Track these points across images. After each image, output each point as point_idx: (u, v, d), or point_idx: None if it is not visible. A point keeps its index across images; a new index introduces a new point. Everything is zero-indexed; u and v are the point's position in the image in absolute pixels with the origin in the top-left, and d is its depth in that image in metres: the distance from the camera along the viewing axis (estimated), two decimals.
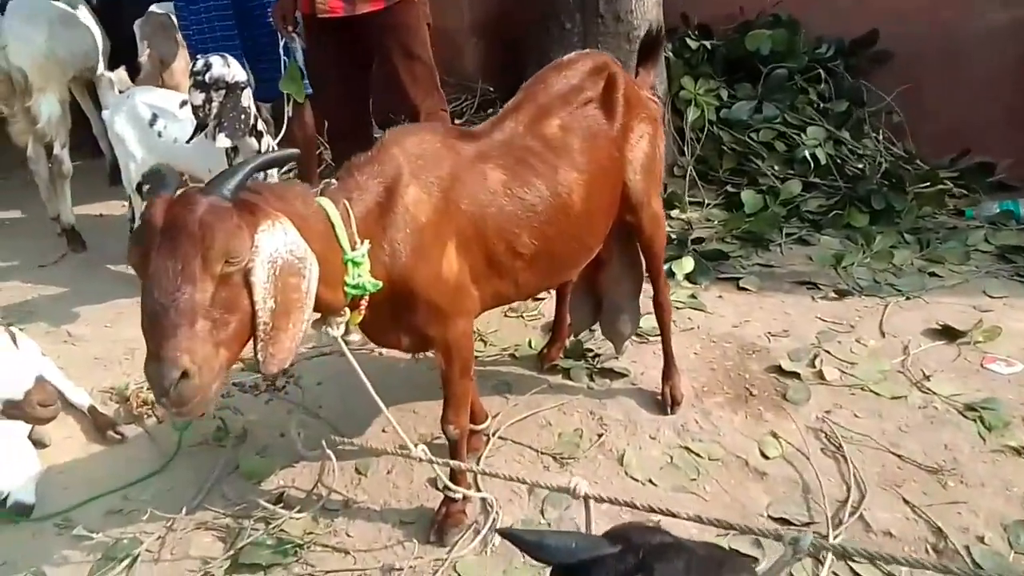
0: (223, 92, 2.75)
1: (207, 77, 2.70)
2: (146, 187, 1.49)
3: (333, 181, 1.77)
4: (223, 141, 2.77)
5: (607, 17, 4.01)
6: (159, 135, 3.25)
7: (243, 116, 2.80)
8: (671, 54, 4.36)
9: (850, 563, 1.90)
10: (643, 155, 2.25)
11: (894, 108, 4.19)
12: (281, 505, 2.22)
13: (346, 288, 1.68)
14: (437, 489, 2.20)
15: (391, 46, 3.09)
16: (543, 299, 3.28)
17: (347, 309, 1.75)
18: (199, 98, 2.73)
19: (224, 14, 3.49)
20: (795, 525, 2.05)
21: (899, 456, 2.28)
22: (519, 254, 1.98)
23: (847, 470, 2.23)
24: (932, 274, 3.31)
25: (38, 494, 2.29)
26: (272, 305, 1.46)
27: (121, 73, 3.25)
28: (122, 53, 4.39)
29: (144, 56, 4.20)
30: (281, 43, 3.17)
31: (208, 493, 2.29)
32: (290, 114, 3.29)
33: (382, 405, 1.87)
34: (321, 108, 3.53)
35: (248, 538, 2.10)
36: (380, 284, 1.71)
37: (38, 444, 2.48)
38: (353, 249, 1.67)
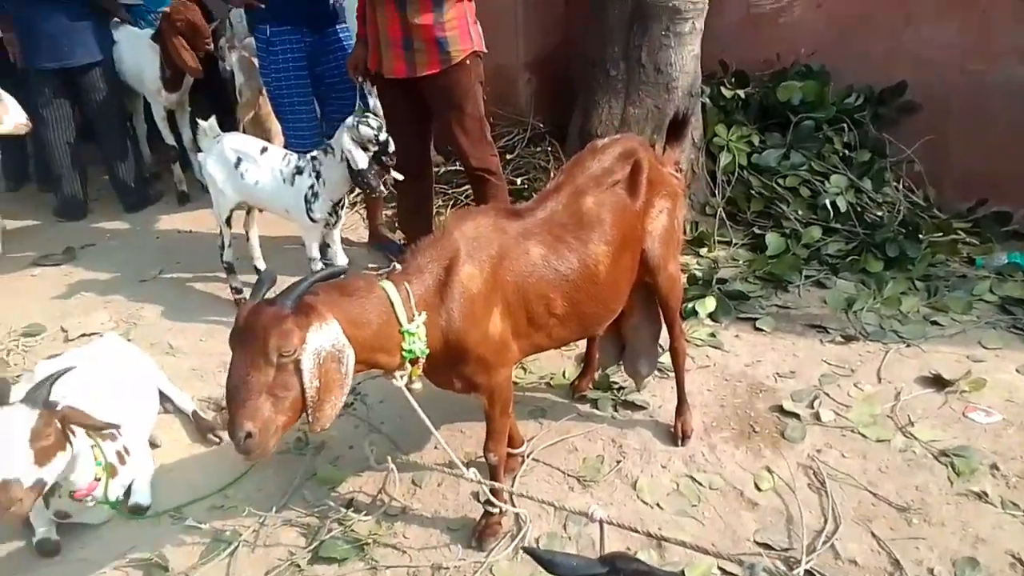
0: (376, 148, 3.38)
1: (379, 139, 3.34)
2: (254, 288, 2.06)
3: (397, 266, 2.22)
4: (381, 190, 3.45)
5: (648, 68, 4.37)
6: (242, 176, 3.68)
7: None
8: (707, 100, 4.72)
9: None
10: (661, 227, 2.66)
11: (914, 158, 4.48)
12: (351, 508, 2.69)
13: (402, 353, 2.13)
14: (479, 502, 2.63)
15: (445, 103, 3.59)
16: None
17: (408, 365, 2.19)
18: (364, 160, 3.34)
19: (298, 57, 4.02)
20: (776, 550, 2.45)
21: (875, 494, 2.64)
22: (553, 314, 2.42)
23: (827, 504, 2.61)
24: (934, 322, 3.58)
25: (152, 488, 2.80)
26: (317, 384, 1.93)
27: (212, 122, 3.79)
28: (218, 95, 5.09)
29: (242, 82, 4.86)
30: (359, 86, 3.74)
31: (292, 495, 2.78)
32: None
33: (436, 433, 2.29)
34: None
35: (326, 535, 2.57)
36: (428, 351, 2.16)
37: (151, 444, 3.00)
38: (410, 322, 2.11)
